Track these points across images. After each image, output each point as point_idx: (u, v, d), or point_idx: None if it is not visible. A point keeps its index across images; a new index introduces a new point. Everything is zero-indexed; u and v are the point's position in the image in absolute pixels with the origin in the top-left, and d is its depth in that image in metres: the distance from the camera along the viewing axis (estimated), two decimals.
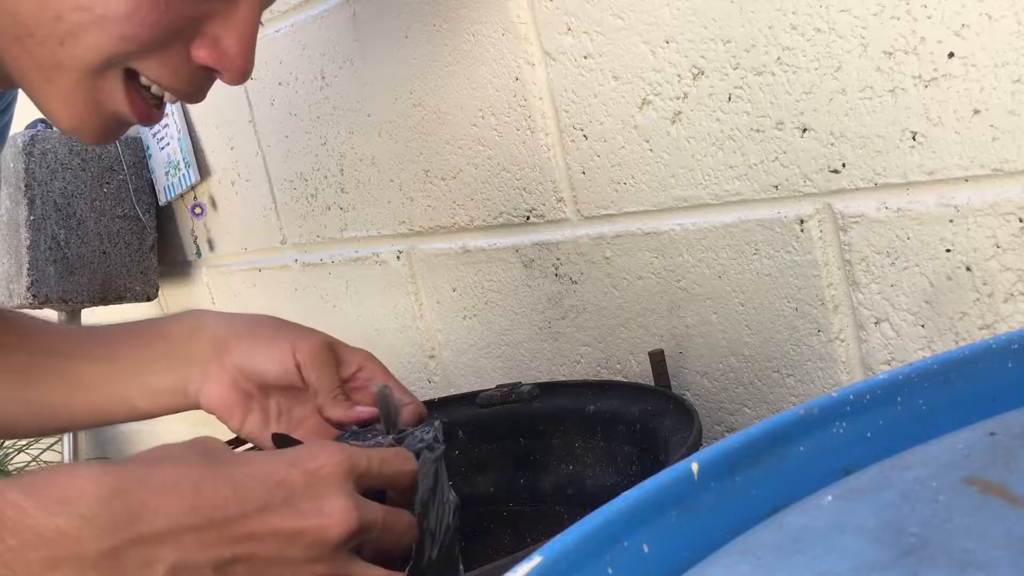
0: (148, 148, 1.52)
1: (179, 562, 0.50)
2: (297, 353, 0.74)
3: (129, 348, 0.79)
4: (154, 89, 0.67)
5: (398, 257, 1.15)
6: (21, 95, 0.84)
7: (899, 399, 0.41)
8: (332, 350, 0.76)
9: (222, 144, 1.38)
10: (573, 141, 0.91)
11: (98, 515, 0.49)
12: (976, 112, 0.65)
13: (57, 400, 0.80)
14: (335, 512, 0.53)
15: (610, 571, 0.34)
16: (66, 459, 1.73)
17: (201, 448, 0.55)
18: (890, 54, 0.68)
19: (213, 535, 0.51)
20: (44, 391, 0.80)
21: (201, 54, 0.65)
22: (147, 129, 1.50)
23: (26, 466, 1.95)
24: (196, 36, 0.65)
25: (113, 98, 0.66)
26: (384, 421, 0.70)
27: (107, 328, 0.84)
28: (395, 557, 0.59)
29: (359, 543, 0.55)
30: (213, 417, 0.78)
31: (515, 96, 0.94)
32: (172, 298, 1.65)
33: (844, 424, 0.40)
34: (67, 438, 1.75)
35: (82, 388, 0.79)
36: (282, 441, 0.67)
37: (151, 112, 0.69)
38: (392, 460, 0.60)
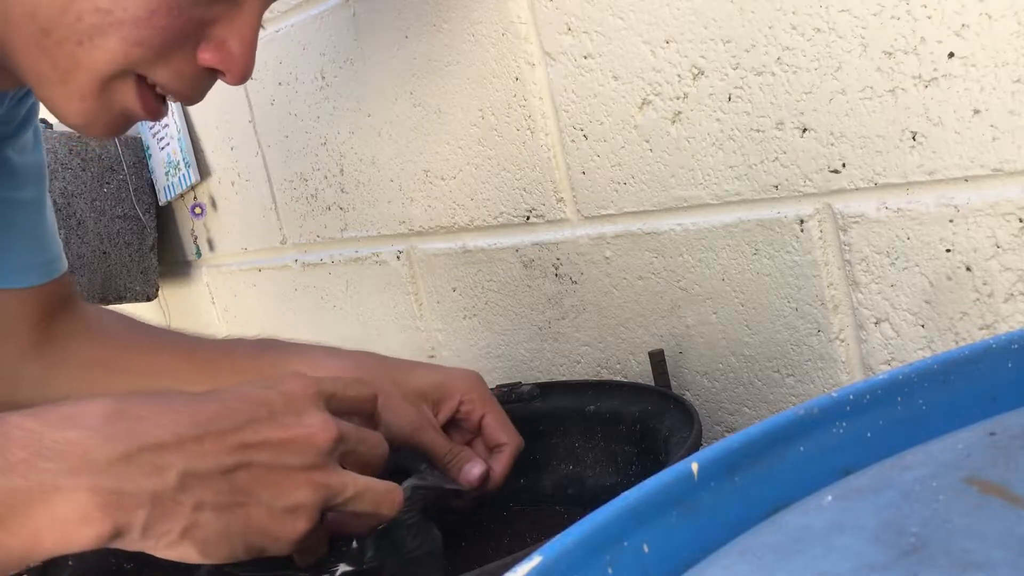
0: (148, 148, 1.52)
1: (188, 468, 0.52)
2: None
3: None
4: (158, 88, 0.70)
5: (398, 257, 1.15)
6: None
7: (899, 399, 0.41)
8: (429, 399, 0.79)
9: (222, 144, 1.38)
10: (573, 141, 0.91)
11: (104, 428, 0.51)
12: (976, 112, 0.65)
13: None
14: (316, 423, 0.57)
15: (610, 571, 0.34)
16: None
17: (178, 390, 0.59)
18: (890, 54, 0.68)
19: (212, 444, 0.53)
20: None
21: (207, 56, 0.68)
22: (147, 129, 1.50)
23: None
24: (202, 40, 0.68)
25: (125, 98, 0.69)
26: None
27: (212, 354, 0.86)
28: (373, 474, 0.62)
29: (341, 455, 0.58)
30: None
31: (515, 96, 0.94)
32: (172, 298, 1.65)
33: (844, 424, 0.40)
34: None
35: None
36: None
37: (159, 109, 0.71)
38: (355, 384, 0.64)
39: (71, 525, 0.49)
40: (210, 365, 0.83)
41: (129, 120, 0.72)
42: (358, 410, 0.64)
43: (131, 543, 0.51)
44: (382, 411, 0.72)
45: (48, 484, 0.49)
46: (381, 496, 0.60)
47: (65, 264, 0.93)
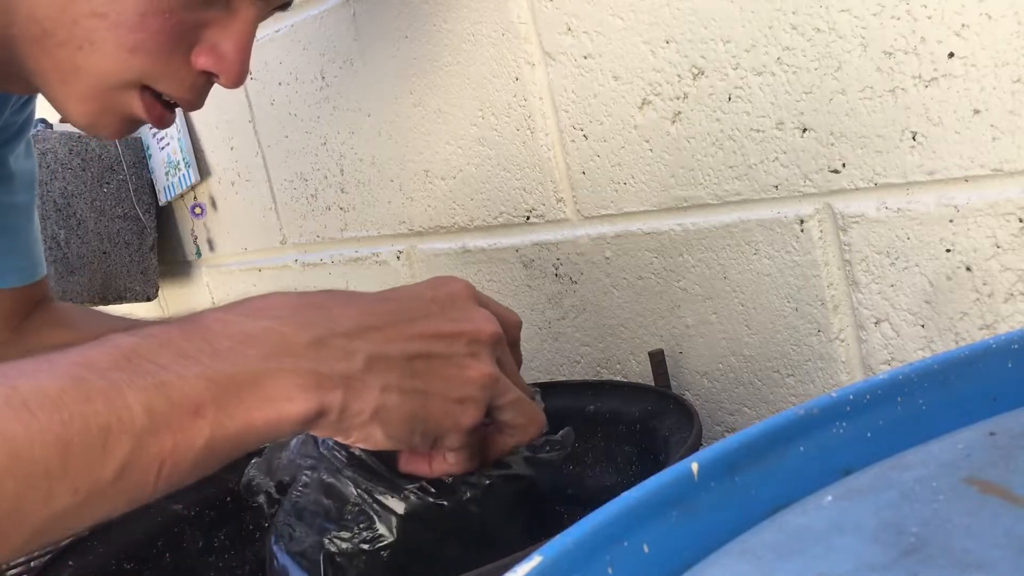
0: (148, 148, 1.52)
1: (375, 353, 0.55)
2: None
3: None
4: (164, 96, 0.72)
5: (398, 257, 1.15)
6: None
7: (899, 399, 0.41)
8: None
9: (222, 144, 1.38)
10: (573, 141, 0.91)
11: (296, 318, 0.54)
12: (976, 112, 0.65)
13: None
14: (480, 319, 0.60)
15: (610, 571, 0.34)
16: None
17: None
18: (890, 54, 0.68)
19: (394, 333, 0.56)
20: None
21: (201, 60, 0.70)
22: (147, 129, 1.50)
23: None
24: (196, 43, 0.70)
25: (130, 105, 0.71)
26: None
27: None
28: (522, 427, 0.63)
29: (498, 357, 0.60)
30: None
31: (515, 96, 0.94)
32: (172, 298, 1.65)
33: (844, 424, 0.40)
34: None
35: None
36: None
37: (166, 116, 0.73)
38: (494, 304, 0.66)
39: (280, 404, 0.51)
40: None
41: (136, 123, 0.74)
42: (506, 328, 0.66)
43: (329, 425, 0.53)
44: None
45: (255, 368, 0.51)
46: (532, 411, 0.62)
47: (45, 268, 0.97)
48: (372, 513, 0.61)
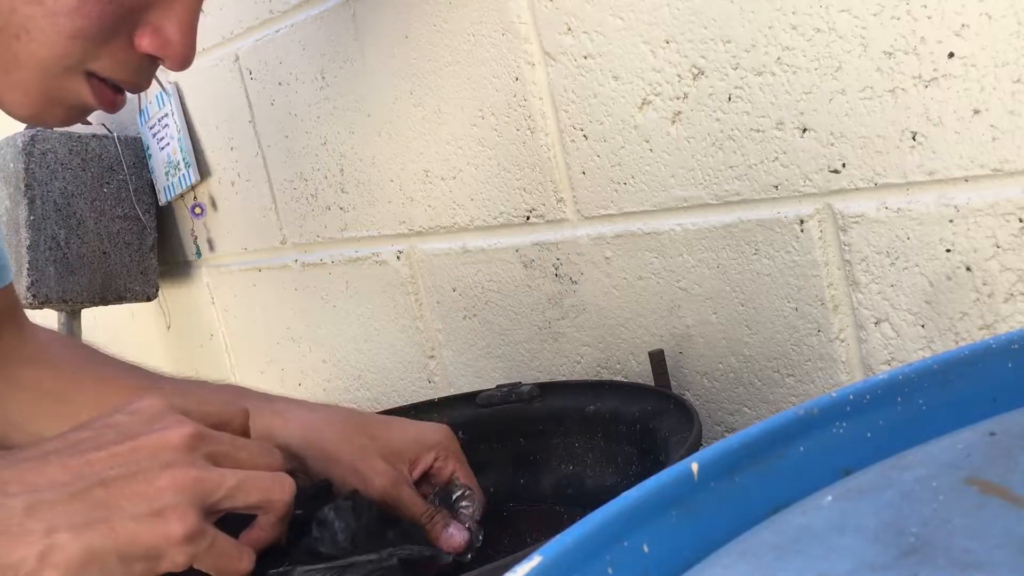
0: (148, 148, 1.52)
1: (35, 497, 0.51)
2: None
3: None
4: (110, 80, 0.69)
5: (398, 257, 1.15)
6: None
7: (899, 399, 0.41)
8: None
9: (222, 144, 1.38)
10: (573, 141, 0.91)
11: None
12: (976, 112, 0.65)
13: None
14: (168, 423, 0.55)
15: (610, 571, 0.34)
16: None
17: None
18: (890, 54, 0.68)
19: (56, 471, 0.52)
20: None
21: (144, 42, 0.68)
22: (147, 129, 1.50)
23: None
24: (138, 26, 0.68)
25: (77, 93, 0.69)
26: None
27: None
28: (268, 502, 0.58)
29: (213, 457, 0.56)
30: None
31: (515, 96, 0.94)
32: (172, 298, 1.65)
33: (844, 424, 0.40)
34: None
35: None
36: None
37: (115, 99, 0.71)
38: (214, 403, 0.61)
39: None
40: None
41: (85, 111, 0.71)
42: (222, 425, 0.61)
43: None
44: (358, 465, 0.71)
45: None
46: (268, 482, 0.56)
47: (10, 276, 0.89)
48: None
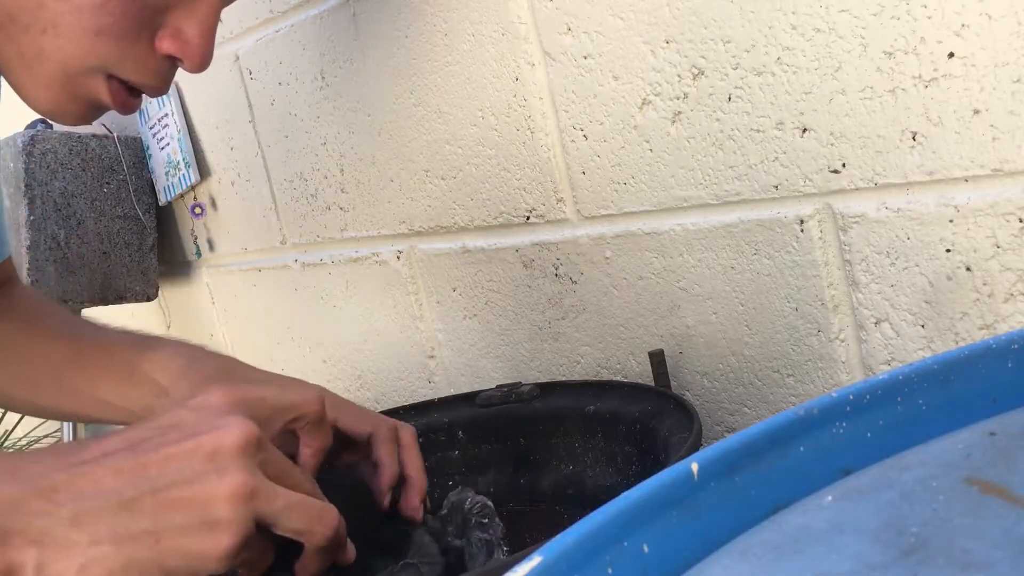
0: (148, 148, 1.52)
1: (82, 504, 0.50)
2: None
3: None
4: (129, 82, 0.71)
5: (398, 257, 1.15)
6: None
7: (899, 399, 0.41)
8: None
9: (222, 144, 1.38)
10: (573, 141, 0.91)
11: None
12: (976, 112, 0.65)
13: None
14: (223, 425, 0.53)
15: (610, 571, 0.34)
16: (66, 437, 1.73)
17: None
18: (890, 54, 0.68)
19: (107, 477, 0.51)
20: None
21: (164, 44, 0.70)
22: (147, 129, 1.50)
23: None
24: (160, 27, 0.70)
25: (96, 92, 0.71)
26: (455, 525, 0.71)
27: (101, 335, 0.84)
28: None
29: (268, 471, 0.54)
30: None
31: (515, 96, 0.94)
32: (172, 298, 1.65)
33: (844, 424, 0.40)
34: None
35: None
36: None
37: (131, 102, 0.73)
38: (290, 393, 0.62)
39: None
40: (83, 359, 0.81)
41: (100, 109, 0.73)
42: (299, 418, 0.61)
43: None
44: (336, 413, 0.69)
45: None
46: (315, 512, 0.55)
47: (9, 251, 0.90)
48: None
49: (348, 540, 0.59)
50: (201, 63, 0.72)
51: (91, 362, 0.80)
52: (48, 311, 0.90)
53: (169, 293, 1.64)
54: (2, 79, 0.72)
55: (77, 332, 0.85)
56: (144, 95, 0.74)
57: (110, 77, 0.70)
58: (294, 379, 0.74)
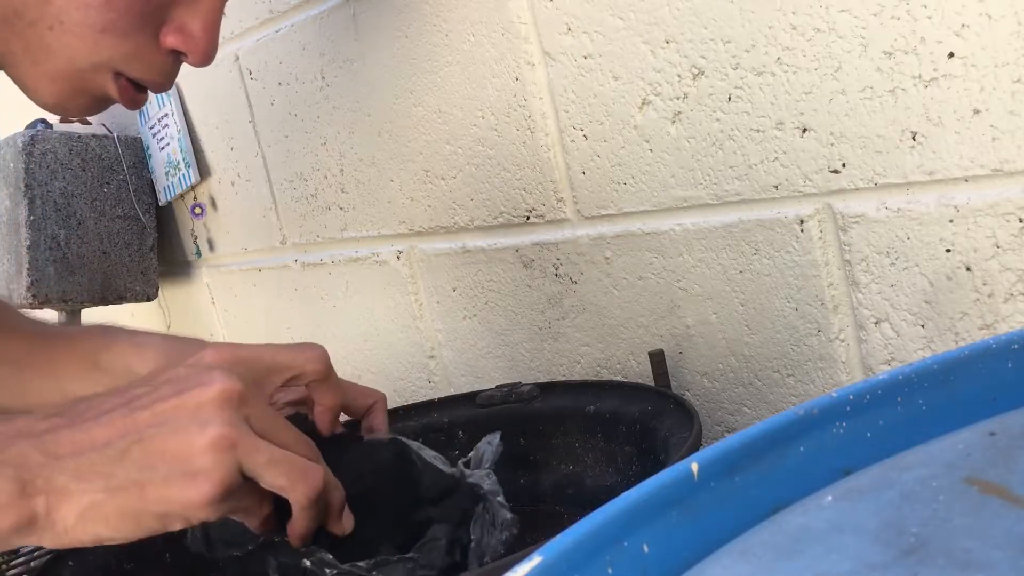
0: (148, 148, 1.52)
1: (80, 460, 0.53)
2: None
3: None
4: (136, 79, 0.72)
5: (398, 257, 1.15)
6: None
7: (899, 399, 0.41)
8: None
9: (222, 144, 1.38)
10: (573, 141, 0.91)
11: (5, 427, 0.54)
12: (976, 112, 0.65)
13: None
14: (209, 380, 0.55)
15: (610, 571, 0.34)
16: None
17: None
18: (890, 54, 0.68)
19: (101, 430, 0.54)
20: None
21: (169, 39, 0.71)
22: (147, 129, 1.50)
23: None
24: (164, 23, 0.71)
25: (103, 87, 0.72)
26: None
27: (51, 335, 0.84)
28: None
29: (250, 417, 0.55)
30: None
31: (515, 96, 0.94)
32: (172, 298, 1.65)
33: (844, 424, 0.40)
34: None
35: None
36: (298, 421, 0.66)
37: (138, 97, 0.74)
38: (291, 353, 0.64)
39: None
40: (46, 352, 0.81)
41: (107, 102, 0.74)
42: (297, 377, 0.62)
43: (43, 532, 0.53)
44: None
45: None
46: (299, 469, 0.56)
47: None
48: None
49: (347, 510, 0.61)
50: (205, 57, 0.73)
51: (54, 354, 0.80)
52: (3, 310, 0.89)
53: (169, 293, 1.64)
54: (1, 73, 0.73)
55: (37, 329, 0.85)
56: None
57: (117, 74, 0.71)
58: (298, 343, 0.74)
